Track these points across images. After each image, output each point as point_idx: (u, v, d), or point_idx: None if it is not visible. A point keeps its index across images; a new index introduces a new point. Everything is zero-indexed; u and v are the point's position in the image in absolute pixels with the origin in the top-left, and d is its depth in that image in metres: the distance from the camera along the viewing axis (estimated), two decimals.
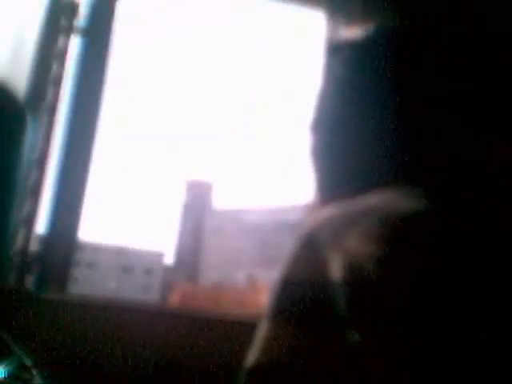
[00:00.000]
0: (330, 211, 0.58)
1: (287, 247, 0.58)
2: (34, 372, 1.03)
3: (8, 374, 0.97)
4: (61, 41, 1.54)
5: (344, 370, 0.51)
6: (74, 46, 1.57)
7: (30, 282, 1.44)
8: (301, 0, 1.77)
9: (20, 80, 1.46)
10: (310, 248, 0.55)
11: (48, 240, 1.48)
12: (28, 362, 1.04)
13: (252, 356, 0.54)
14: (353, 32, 1.68)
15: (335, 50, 0.70)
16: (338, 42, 0.73)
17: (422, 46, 0.64)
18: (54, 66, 1.53)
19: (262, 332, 0.54)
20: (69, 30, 1.56)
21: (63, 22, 1.55)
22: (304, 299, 0.53)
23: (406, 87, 0.62)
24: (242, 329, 1.02)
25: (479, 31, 0.65)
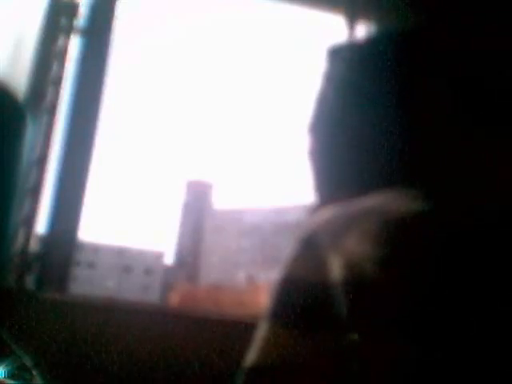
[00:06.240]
0: (329, 212, 0.58)
1: (287, 247, 0.58)
2: (34, 372, 1.03)
3: (8, 373, 0.97)
4: (61, 41, 1.55)
5: (344, 371, 0.51)
6: (74, 46, 1.57)
7: (30, 282, 1.44)
8: (317, 3, 1.77)
9: (20, 80, 1.46)
10: (310, 249, 0.55)
11: (48, 240, 1.48)
12: (28, 362, 1.04)
13: (251, 356, 0.54)
14: (355, 34, 1.68)
15: (336, 51, 0.70)
16: (339, 43, 0.73)
17: (424, 47, 0.64)
18: (54, 66, 1.53)
19: (261, 332, 0.54)
20: (69, 30, 1.56)
21: (63, 22, 1.55)
22: (304, 300, 0.53)
23: (406, 89, 0.62)
24: (242, 329, 1.02)
25: (480, 34, 0.65)
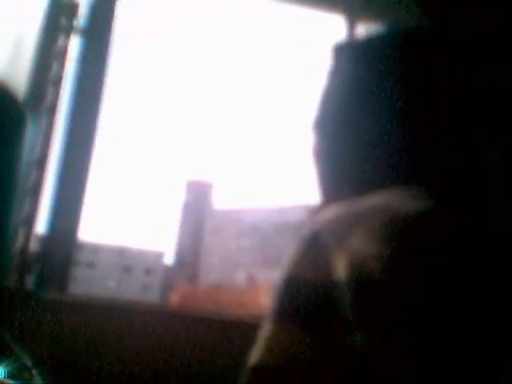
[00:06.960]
0: (333, 211, 0.58)
1: (287, 247, 0.58)
2: (34, 372, 1.03)
3: (8, 373, 0.97)
4: (61, 41, 1.54)
5: (348, 371, 0.51)
6: (74, 46, 1.57)
7: (30, 281, 1.44)
8: (317, 3, 1.78)
9: (20, 80, 1.46)
10: (315, 248, 0.55)
11: (48, 240, 1.48)
12: (28, 362, 1.04)
13: (255, 355, 0.53)
14: (355, 33, 1.68)
15: (341, 49, 0.70)
16: (343, 41, 0.72)
17: (429, 46, 0.64)
18: (54, 66, 1.53)
19: (265, 332, 0.54)
20: (69, 30, 1.56)
21: (63, 22, 1.55)
22: (308, 299, 0.53)
23: (408, 88, 0.62)
24: (242, 329, 1.02)
25: (484, 33, 0.65)
